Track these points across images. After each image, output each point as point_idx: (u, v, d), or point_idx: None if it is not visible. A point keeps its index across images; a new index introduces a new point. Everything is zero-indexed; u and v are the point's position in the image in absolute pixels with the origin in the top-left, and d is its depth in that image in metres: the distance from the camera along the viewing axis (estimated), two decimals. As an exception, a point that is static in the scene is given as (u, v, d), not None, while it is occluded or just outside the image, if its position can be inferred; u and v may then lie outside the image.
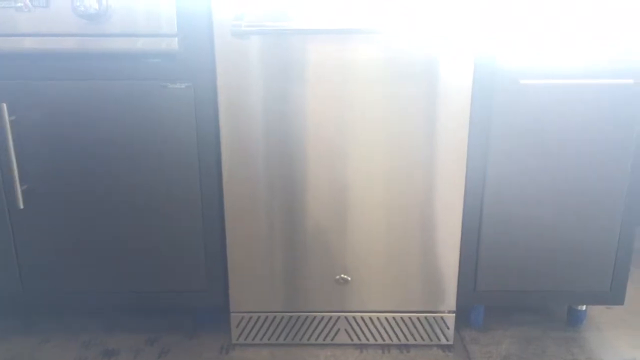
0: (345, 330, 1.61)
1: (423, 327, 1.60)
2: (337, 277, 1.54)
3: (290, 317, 1.59)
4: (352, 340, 1.62)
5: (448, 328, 1.61)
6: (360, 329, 1.61)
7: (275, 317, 1.59)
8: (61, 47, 1.39)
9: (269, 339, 1.62)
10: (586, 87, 1.42)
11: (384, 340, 1.62)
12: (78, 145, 1.47)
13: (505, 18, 1.40)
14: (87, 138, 1.46)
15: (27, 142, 1.46)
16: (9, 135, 1.42)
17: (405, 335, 1.61)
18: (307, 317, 1.60)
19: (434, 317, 1.60)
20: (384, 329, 1.61)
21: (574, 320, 1.72)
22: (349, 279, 1.55)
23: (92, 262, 1.56)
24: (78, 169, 1.49)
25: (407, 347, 1.62)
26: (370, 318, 1.60)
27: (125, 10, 1.36)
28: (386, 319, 1.60)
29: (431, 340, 1.62)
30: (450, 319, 1.60)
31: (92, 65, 1.42)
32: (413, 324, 1.60)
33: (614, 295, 1.59)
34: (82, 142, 1.47)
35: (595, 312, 1.78)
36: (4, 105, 1.41)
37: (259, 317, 1.60)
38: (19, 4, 1.35)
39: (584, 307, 1.70)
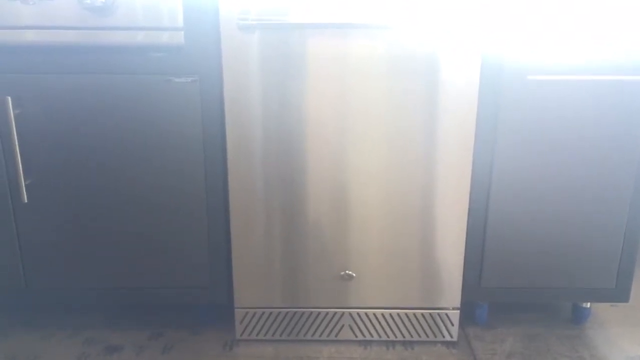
0: (350, 326, 1.60)
1: (427, 323, 1.60)
2: (342, 273, 1.54)
3: (295, 313, 1.59)
4: (356, 336, 1.61)
5: (452, 325, 1.60)
6: (365, 325, 1.60)
7: (279, 313, 1.59)
8: (66, 40, 1.38)
9: (272, 335, 1.61)
10: (594, 84, 1.42)
11: (388, 336, 1.61)
12: (83, 140, 1.46)
13: (512, 13, 1.40)
14: (91, 132, 1.46)
15: (32, 136, 1.46)
16: (14, 129, 1.42)
17: (409, 332, 1.61)
18: (311, 313, 1.59)
19: (438, 314, 1.59)
20: (388, 325, 1.60)
21: (578, 317, 1.71)
22: (354, 275, 1.54)
23: (95, 257, 1.55)
24: (82, 163, 1.48)
25: (411, 343, 1.62)
26: (375, 314, 1.59)
27: (131, 3, 1.36)
28: (390, 315, 1.59)
29: (435, 336, 1.61)
30: (455, 315, 1.60)
31: (97, 58, 1.41)
32: (417, 320, 1.60)
33: (619, 293, 1.59)
34: (87, 137, 1.46)
35: (600, 310, 1.78)
36: (9, 99, 1.40)
37: (263, 313, 1.59)
38: (24, -3, 1.35)
39: (588, 305, 1.70)
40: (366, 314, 1.59)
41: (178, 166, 1.48)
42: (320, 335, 1.61)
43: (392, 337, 1.61)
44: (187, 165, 1.48)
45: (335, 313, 1.59)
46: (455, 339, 1.61)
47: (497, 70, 1.42)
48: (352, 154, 1.46)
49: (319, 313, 1.59)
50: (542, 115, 1.44)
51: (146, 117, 1.45)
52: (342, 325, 1.60)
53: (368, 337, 1.61)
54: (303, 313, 1.59)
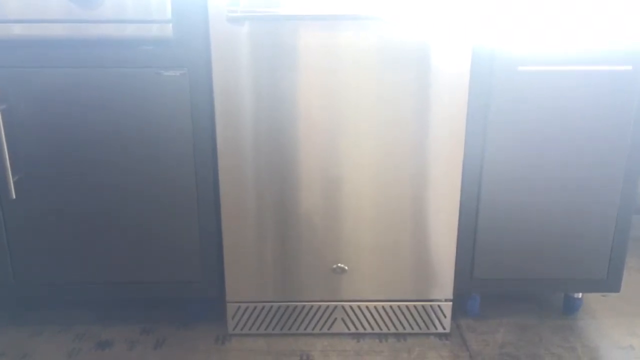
0: (342, 319, 1.60)
1: (420, 315, 1.60)
2: (335, 266, 1.54)
3: (287, 306, 1.58)
4: (348, 329, 1.61)
5: (445, 316, 1.60)
6: (357, 318, 1.60)
7: (271, 307, 1.58)
8: (53, 34, 1.36)
9: (265, 329, 1.61)
10: (584, 74, 1.42)
11: (380, 329, 1.61)
12: (71, 135, 1.45)
13: (503, 4, 1.39)
14: (80, 127, 1.44)
15: (19, 132, 1.44)
16: (0, 124, 1.40)
17: (402, 324, 1.61)
18: (303, 306, 1.59)
19: (430, 306, 1.59)
20: (381, 317, 1.60)
21: (570, 308, 1.72)
22: (346, 268, 1.54)
23: (85, 252, 1.54)
24: (71, 158, 1.47)
25: (404, 335, 1.62)
26: (367, 307, 1.59)
27: (118, -5, 1.34)
28: (383, 307, 1.59)
29: (428, 328, 1.61)
30: (447, 307, 1.60)
31: (85, 52, 1.39)
32: (410, 312, 1.60)
33: (610, 283, 1.60)
34: (75, 131, 1.45)
35: (591, 300, 1.79)
36: (-5, 93, 1.39)
37: (255, 307, 1.59)
38: (10, -11, 1.33)
39: (580, 295, 1.70)
40: (359, 306, 1.59)
41: (168, 159, 1.47)
42: (312, 329, 1.61)
43: (384, 330, 1.61)
44: (177, 159, 1.47)
45: (327, 306, 1.59)
46: (447, 330, 1.62)
47: (488, 61, 1.41)
48: (343, 145, 1.45)
49: (311, 306, 1.59)
50: (533, 106, 1.44)
51: (135, 111, 1.43)
52: (335, 319, 1.60)
53: (361, 330, 1.61)
54: (295, 307, 1.59)
